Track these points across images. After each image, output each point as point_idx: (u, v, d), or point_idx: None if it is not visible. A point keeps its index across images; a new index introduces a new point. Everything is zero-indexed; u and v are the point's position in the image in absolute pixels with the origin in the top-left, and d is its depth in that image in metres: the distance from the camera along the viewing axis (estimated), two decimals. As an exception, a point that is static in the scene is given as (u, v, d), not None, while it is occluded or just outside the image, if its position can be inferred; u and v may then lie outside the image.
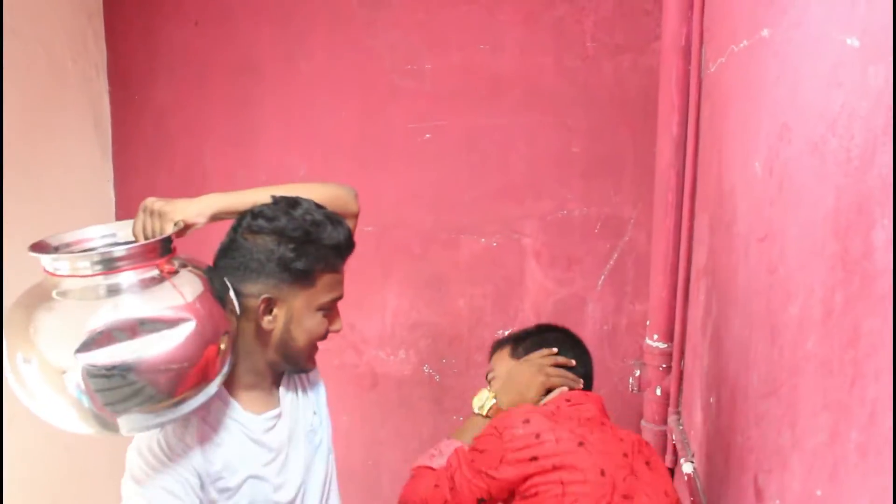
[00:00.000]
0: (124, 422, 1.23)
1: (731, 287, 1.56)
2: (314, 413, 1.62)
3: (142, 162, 2.84)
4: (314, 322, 1.46)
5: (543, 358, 1.74)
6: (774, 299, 1.19)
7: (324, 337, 1.50)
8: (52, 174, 2.56)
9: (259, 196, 1.45)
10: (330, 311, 1.48)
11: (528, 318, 2.67)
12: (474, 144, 2.62)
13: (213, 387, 1.33)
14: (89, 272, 1.21)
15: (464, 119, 2.62)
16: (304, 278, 1.41)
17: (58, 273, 1.23)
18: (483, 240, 2.65)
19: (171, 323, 1.21)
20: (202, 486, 1.39)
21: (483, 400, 1.74)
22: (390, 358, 2.77)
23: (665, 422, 2.34)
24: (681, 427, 2.21)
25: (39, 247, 1.30)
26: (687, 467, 1.90)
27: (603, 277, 2.61)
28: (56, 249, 1.34)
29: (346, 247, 1.46)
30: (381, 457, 2.86)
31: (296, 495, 1.54)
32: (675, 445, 2.17)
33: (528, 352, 1.78)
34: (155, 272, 1.25)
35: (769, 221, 1.25)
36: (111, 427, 1.23)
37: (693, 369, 2.08)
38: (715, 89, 1.90)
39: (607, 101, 2.54)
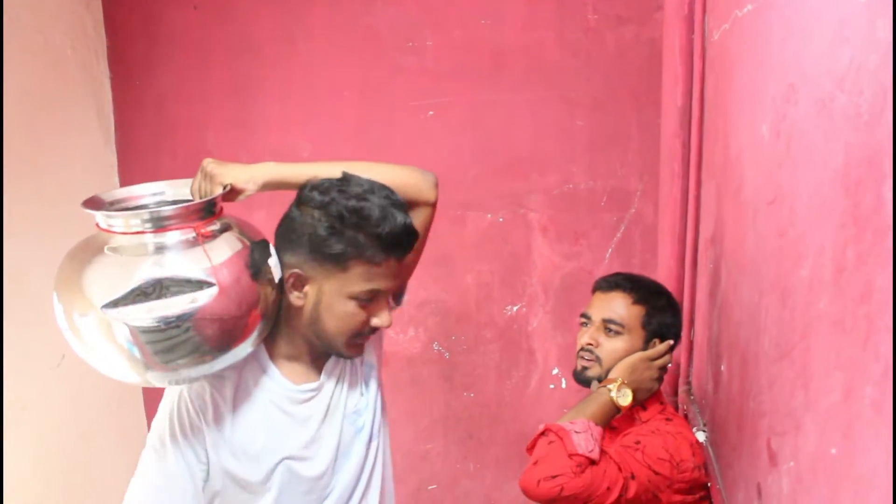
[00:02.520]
0: (160, 373, 1.30)
1: (740, 253, 1.56)
2: (361, 395, 1.59)
3: (144, 147, 2.84)
4: (345, 310, 1.39)
5: (663, 359, 1.73)
6: (785, 262, 1.19)
7: (366, 330, 1.43)
8: (56, 162, 2.56)
9: (320, 169, 1.42)
10: (369, 302, 1.40)
11: (536, 294, 2.67)
12: (478, 120, 2.61)
13: (245, 348, 1.36)
14: (134, 229, 1.28)
15: (467, 95, 2.61)
16: (334, 262, 1.35)
17: (112, 229, 1.30)
18: (489, 216, 2.65)
19: (194, 284, 1.25)
20: (208, 454, 1.41)
21: (626, 395, 1.65)
22: (399, 336, 2.77)
23: (676, 392, 2.34)
24: (692, 396, 2.21)
25: (92, 203, 1.35)
26: (699, 436, 1.90)
27: (610, 250, 2.61)
28: (110, 206, 1.40)
29: (391, 241, 1.35)
30: (391, 434, 2.85)
31: (323, 472, 1.52)
32: (686, 415, 2.17)
33: (656, 333, 1.75)
34: (192, 234, 1.29)
35: (777, 184, 1.24)
36: (151, 377, 1.31)
37: (703, 338, 2.08)
38: (719, 57, 1.89)
39: (611, 73, 2.52)
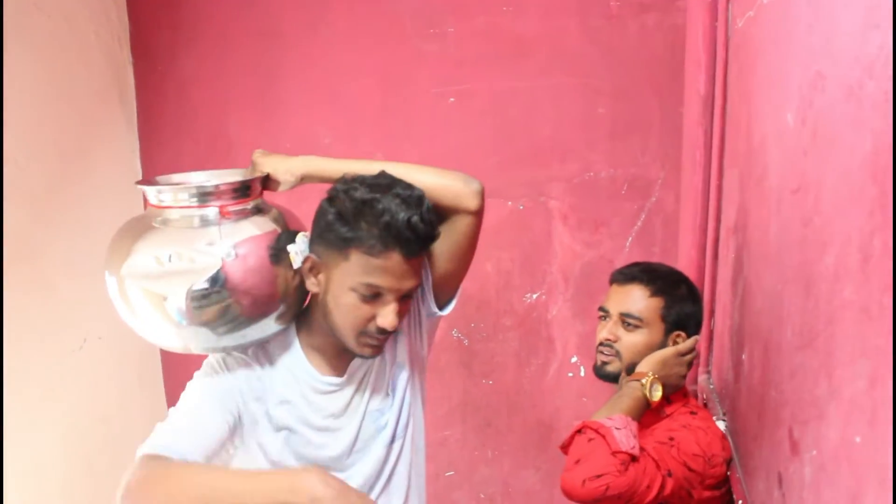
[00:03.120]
0: (196, 340, 1.43)
1: (763, 242, 1.55)
2: (387, 395, 1.60)
3: (167, 132, 2.85)
4: (347, 302, 1.39)
5: (691, 354, 1.73)
6: (809, 250, 1.18)
7: (369, 327, 1.42)
8: (79, 146, 2.58)
9: (361, 167, 1.45)
10: (371, 298, 1.39)
11: (556, 282, 2.67)
12: (499, 108, 2.61)
13: (270, 323, 1.45)
14: (181, 203, 1.41)
15: (488, 82, 2.60)
16: (337, 249, 1.37)
17: (162, 204, 1.42)
18: (510, 203, 2.64)
19: (199, 258, 1.36)
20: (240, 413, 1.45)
21: (658, 390, 1.65)
22: (419, 323, 2.78)
23: (696, 381, 2.33)
24: (711, 386, 2.21)
25: (147, 183, 1.48)
26: (720, 425, 1.90)
27: (631, 239, 2.60)
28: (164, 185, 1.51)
29: (391, 234, 1.33)
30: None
31: (336, 458, 1.54)
32: (706, 404, 2.17)
33: (676, 324, 1.74)
34: (215, 212, 1.39)
35: (802, 172, 1.23)
36: (188, 344, 1.44)
37: (724, 328, 2.07)
38: (743, 44, 1.88)
39: (633, 61, 2.51)
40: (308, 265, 1.42)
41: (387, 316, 1.39)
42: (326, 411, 1.53)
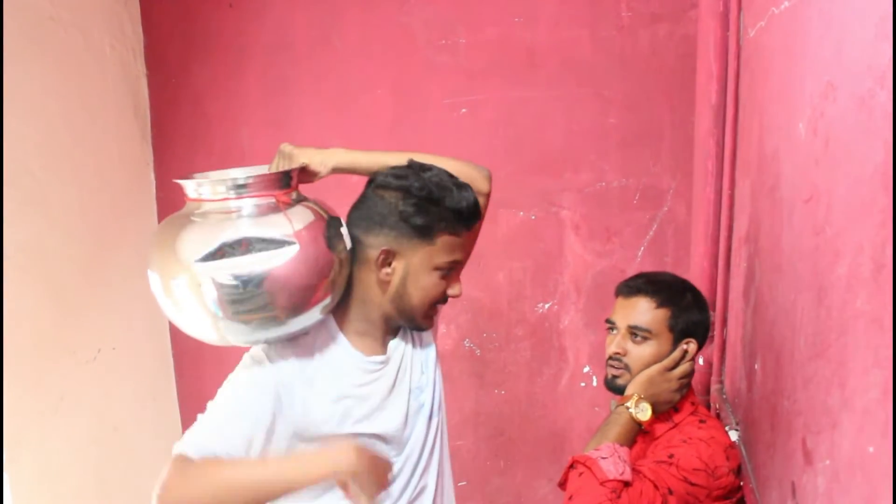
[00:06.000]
0: (235, 332, 1.41)
1: (775, 252, 1.55)
2: (422, 373, 1.68)
3: (180, 144, 2.87)
4: (430, 281, 1.50)
5: (682, 368, 1.70)
6: (821, 260, 1.18)
7: (441, 299, 1.55)
8: (94, 158, 2.60)
9: (387, 158, 1.55)
10: (448, 273, 1.52)
11: (567, 292, 2.67)
12: (510, 118, 2.62)
13: (316, 313, 1.46)
14: (220, 196, 1.41)
15: (499, 93, 2.61)
16: (423, 234, 1.46)
17: (202, 197, 1.43)
18: (521, 213, 2.65)
19: (276, 244, 1.37)
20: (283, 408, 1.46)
21: (645, 410, 1.64)
22: (431, 333, 2.79)
23: (708, 391, 2.33)
24: (724, 396, 2.20)
25: (184, 176, 1.50)
26: (732, 435, 1.89)
27: (642, 249, 2.60)
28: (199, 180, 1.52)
29: (468, 213, 1.49)
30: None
31: (391, 438, 1.59)
32: (718, 414, 2.16)
33: (684, 333, 1.71)
34: (272, 201, 1.42)
35: (814, 182, 1.23)
36: (229, 334, 1.42)
37: (736, 338, 2.07)
38: (755, 54, 1.88)
39: (644, 71, 2.52)
40: (382, 257, 1.48)
41: (458, 286, 1.56)
42: (376, 390, 1.57)
